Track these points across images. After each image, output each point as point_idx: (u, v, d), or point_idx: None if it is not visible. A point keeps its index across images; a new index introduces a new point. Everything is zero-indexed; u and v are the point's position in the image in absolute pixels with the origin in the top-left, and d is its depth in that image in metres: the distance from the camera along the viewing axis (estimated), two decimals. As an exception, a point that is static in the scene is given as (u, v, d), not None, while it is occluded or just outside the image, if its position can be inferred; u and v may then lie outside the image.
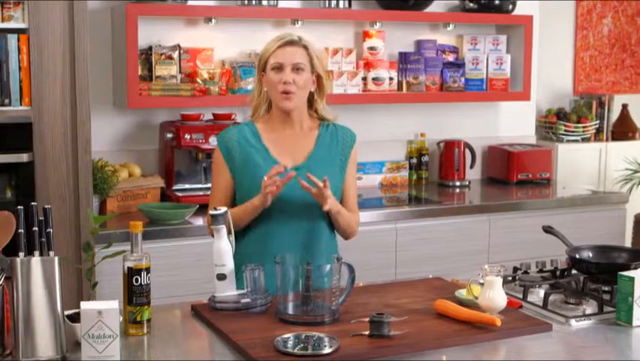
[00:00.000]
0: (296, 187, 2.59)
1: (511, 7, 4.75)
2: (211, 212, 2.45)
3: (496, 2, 4.70)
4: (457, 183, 4.76)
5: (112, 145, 4.10)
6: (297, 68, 2.69)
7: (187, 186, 4.06)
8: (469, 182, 4.80)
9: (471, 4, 4.71)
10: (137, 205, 3.80)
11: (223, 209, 2.45)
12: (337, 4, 4.38)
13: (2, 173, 3.41)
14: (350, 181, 2.84)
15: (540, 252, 3.42)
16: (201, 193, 3.98)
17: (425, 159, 4.83)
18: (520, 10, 4.82)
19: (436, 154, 4.84)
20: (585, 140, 5.27)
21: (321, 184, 2.56)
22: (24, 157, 3.30)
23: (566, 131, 5.22)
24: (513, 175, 4.81)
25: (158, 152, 4.17)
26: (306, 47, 2.73)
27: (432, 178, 4.86)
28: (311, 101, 2.80)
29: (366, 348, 2.10)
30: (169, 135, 3.97)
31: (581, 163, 5.20)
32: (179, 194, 3.96)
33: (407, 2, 4.48)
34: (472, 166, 4.83)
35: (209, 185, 4.00)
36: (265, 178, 2.56)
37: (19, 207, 2.08)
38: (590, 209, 4.49)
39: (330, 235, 2.79)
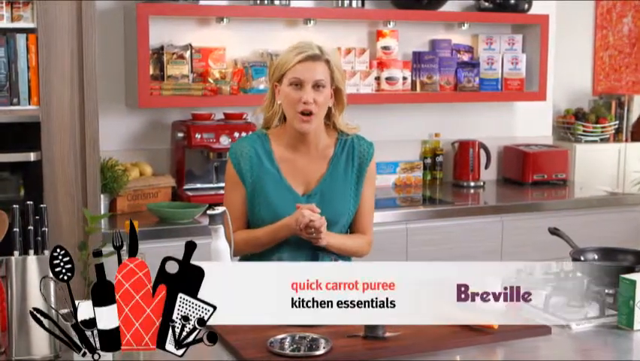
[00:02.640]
0: None
1: (526, 6, 4.70)
2: (209, 212, 2.42)
3: (512, 1, 4.64)
4: (472, 184, 4.72)
5: (124, 144, 4.12)
6: (317, 85, 2.52)
7: (198, 185, 4.06)
8: (484, 182, 4.76)
9: (486, 4, 4.66)
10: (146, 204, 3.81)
11: (221, 209, 2.42)
12: (350, 3, 4.35)
13: (11, 172, 3.43)
14: (366, 199, 2.69)
15: (554, 254, 3.35)
16: (212, 193, 3.98)
17: (439, 159, 4.79)
18: (536, 9, 4.77)
19: (451, 154, 4.80)
20: (604, 140, 5.21)
21: (318, 224, 2.47)
22: (32, 156, 3.32)
23: (584, 131, 5.16)
24: (528, 176, 4.76)
25: (170, 151, 4.18)
26: (328, 62, 2.54)
27: (446, 179, 4.83)
28: (328, 115, 2.63)
29: (359, 349, 2.09)
30: (180, 135, 3.97)
31: (600, 164, 5.14)
32: (190, 193, 3.96)
33: (421, 1, 4.44)
34: (487, 167, 4.78)
35: (220, 185, 4.03)
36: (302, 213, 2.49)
37: (14, 206, 2.08)
38: (606, 211, 4.43)
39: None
